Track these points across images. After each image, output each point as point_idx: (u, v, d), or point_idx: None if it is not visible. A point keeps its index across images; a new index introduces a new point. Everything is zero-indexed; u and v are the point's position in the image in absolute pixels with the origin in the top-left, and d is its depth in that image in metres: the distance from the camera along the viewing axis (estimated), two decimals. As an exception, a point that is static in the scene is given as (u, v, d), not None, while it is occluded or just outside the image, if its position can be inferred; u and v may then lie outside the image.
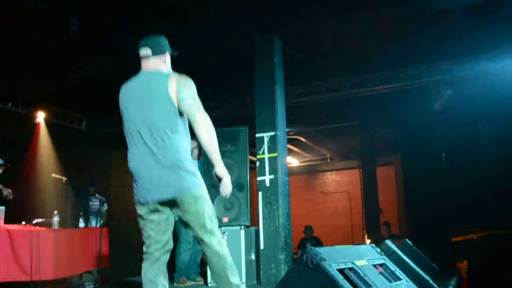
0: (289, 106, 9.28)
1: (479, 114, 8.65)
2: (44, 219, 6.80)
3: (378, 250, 2.93)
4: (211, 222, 3.13)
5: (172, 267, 7.11)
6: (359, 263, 2.54)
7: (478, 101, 8.39)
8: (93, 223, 7.81)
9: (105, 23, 7.11)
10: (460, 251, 9.69)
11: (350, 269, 2.45)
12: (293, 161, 17.23)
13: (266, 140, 6.80)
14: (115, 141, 11.33)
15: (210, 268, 3.20)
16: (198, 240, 3.17)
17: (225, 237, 6.78)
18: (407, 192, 11.47)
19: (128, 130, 3.26)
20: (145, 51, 3.37)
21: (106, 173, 11.44)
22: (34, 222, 6.68)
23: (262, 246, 6.56)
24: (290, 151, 15.71)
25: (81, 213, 7.54)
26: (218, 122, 7.50)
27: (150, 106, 3.16)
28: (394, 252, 3.50)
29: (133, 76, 3.41)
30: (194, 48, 7.58)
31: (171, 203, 3.12)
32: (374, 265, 2.69)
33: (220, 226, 6.68)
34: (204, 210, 3.12)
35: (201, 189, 3.15)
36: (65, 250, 6.76)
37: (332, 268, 2.27)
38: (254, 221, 7.06)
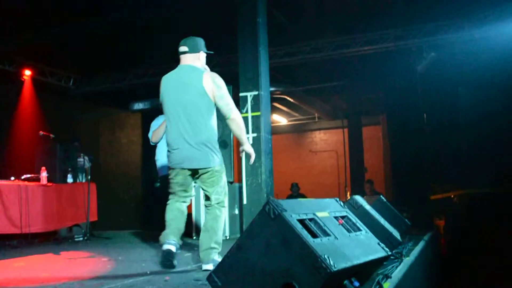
0: (274, 66, 9.43)
1: (460, 77, 8.79)
2: (32, 175, 6.97)
3: (342, 203, 3.13)
4: (222, 192, 4.04)
5: (151, 219, 7.36)
6: (320, 214, 2.73)
7: (460, 64, 8.53)
8: (80, 179, 7.98)
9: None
10: (438, 208, 10.01)
11: (310, 219, 2.63)
12: (281, 120, 17.39)
13: (249, 100, 6.94)
14: (104, 99, 11.44)
15: (203, 226, 4.03)
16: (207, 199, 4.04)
17: (209, 193, 7.04)
18: (392, 151, 11.73)
19: (168, 111, 3.98)
20: (183, 49, 4.09)
21: (95, 131, 11.57)
22: (23, 177, 6.86)
23: (245, 201, 6.79)
24: (278, 110, 15.88)
25: (69, 169, 7.69)
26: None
27: (187, 95, 3.90)
28: (360, 206, 3.70)
29: (173, 70, 4.11)
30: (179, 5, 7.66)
31: (196, 172, 3.93)
32: (335, 217, 2.89)
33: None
34: (220, 181, 4.02)
35: (221, 165, 4.02)
36: (54, 204, 6.98)
37: (293, 218, 2.46)
38: (238, 178, 7.29)
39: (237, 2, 7.13)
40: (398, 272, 3.55)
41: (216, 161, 3.93)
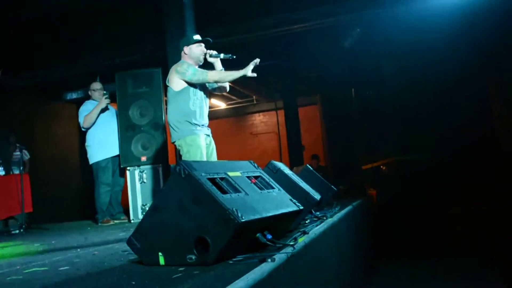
0: (208, 49, 9.49)
1: (383, 50, 9.15)
2: (-39, 169, 6.83)
3: (256, 165, 3.29)
4: None
5: (93, 210, 7.40)
6: (232, 174, 2.88)
7: (383, 39, 8.86)
8: (15, 172, 7.86)
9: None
10: (370, 178, 10.44)
11: (222, 178, 2.77)
12: (219, 104, 17.50)
13: (180, 81, 7.00)
14: (36, 91, 11.21)
15: None
16: None
17: (145, 175, 7.11)
18: (326, 128, 12.11)
19: None
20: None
21: (30, 123, 11.33)
22: (-50, 172, 6.71)
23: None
24: (214, 94, 15.95)
25: (0, 162, 7.57)
26: (137, 66, 7.68)
27: None
28: (278, 170, 3.88)
29: None
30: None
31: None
32: (248, 177, 3.05)
33: (139, 165, 7.01)
34: (184, 157, 4.97)
35: (180, 141, 5.05)
36: (-15, 197, 6.86)
37: (203, 177, 2.59)
38: (172, 159, 7.38)
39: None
40: (316, 229, 3.76)
41: (175, 136, 5.05)
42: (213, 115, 17.71)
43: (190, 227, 2.54)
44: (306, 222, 4.25)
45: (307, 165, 5.65)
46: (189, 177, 2.56)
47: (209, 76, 4.99)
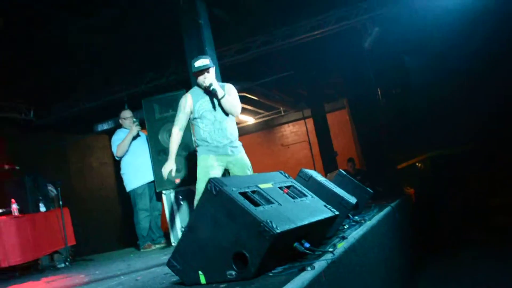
0: (228, 65, 9.58)
1: (405, 47, 9.04)
2: (3, 210, 6.99)
3: (286, 175, 3.29)
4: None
5: (134, 237, 7.48)
6: (263, 186, 2.88)
7: (402, 35, 8.77)
8: (53, 207, 8.02)
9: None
10: (406, 177, 10.28)
11: (253, 192, 2.78)
12: (248, 119, 17.56)
13: (204, 100, 7.06)
14: (68, 127, 11.45)
15: None
16: None
17: (181, 197, 7.16)
18: (357, 131, 12.01)
19: None
20: None
21: (63, 159, 11.56)
22: (-7, 213, 6.88)
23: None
24: (243, 110, 16.02)
25: (40, 198, 7.72)
26: (163, 90, 7.78)
27: None
28: (311, 177, 3.86)
29: None
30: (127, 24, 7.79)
31: None
32: (280, 187, 3.05)
33: (174, 187, 7.07)
34: None
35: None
36: (30, 234, 7.00)
37: (234, 192, 2.60)
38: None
39: (178, 7, 7.27)
40: (355, 233, 3.72)
41: None
42: (243, 131, 17.80)
43: (227, 243, 2.54)
44: (345, 227, 4.21)
45: (340, 169, 5.60)
46: (220, 194, 2.58)
47: (172, 130, 5.30)
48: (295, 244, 2.72)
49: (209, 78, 4.99)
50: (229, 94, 5.06)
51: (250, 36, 9.52)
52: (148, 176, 7.38)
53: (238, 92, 12.06)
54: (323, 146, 13.56)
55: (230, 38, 9.38)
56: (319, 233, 3.18)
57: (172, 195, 7.15)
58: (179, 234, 7.06)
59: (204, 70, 4.99)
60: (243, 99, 13.64)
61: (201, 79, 5.03)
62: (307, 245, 2.76)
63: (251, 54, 9.67)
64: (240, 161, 5.13)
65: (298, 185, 3.21)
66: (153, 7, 7.62)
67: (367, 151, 11.05)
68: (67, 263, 7.35)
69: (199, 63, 5.01)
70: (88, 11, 7.42)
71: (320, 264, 2.59)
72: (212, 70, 5.09)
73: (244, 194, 2.67)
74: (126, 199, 8.40)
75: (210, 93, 5.00)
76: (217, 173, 5.00)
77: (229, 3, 8.25)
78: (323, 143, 13.56)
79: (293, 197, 3.03)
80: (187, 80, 7.67)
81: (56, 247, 7.51)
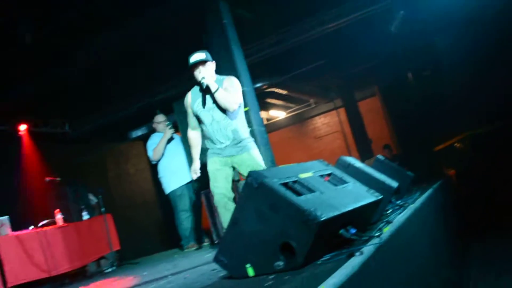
0: (254, 61, 9.58)
1: (432, 27, 8.86)
2: (48, 220, 7.16)
3: (326, 163, 3.27)
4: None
5: (176, 239, 7.56)
6: (304, 175, 2.87)
7: (430, 14, 8.60)
8: (95, 215, 8.18)
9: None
10: (446, 158, 10.10)
11: (294, 182, 2.77)
12: (279, 114, 17.53)
13: (234, 98, 7.08)
14: (101, 136, 11.65)
15: None
16: None
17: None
18: (391, 117, 11.88)
19: None
20: None
21: (101, 167, 11.76)
22: (40, 224, 7.05)
23: (254, 196, 6.90)
24: (273, 105, 16.04)
25: (83, 207, 7.89)
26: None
27: None
28: (350, 164, 3.83)
29: None
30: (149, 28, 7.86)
31: None
32: (320, 176, 3.03)
33: (212, 187, 7.10)
34: None
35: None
36: (76, 242, 7.16)
37: (275, 183, 2.60)
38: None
39: (201, 9, 7.32)
40: (400, 217, 3.67)
41: None
42: (274, 126, 17.79)
43: (272, 235, 2.55)
44: (388, 212, 4.17)
45: (378, 155, 5.54)
46: (261, 186, 2.58)
47: (187, 132, 5.11)
48: (341, 231, 2.70)
49: (203, 73, 4.58)
50: (227, 87, 4.60)
51: (276, 31, 9.50)
52: (186, 177, 7.43)
53: (268, 87, 12.14)
54: (357, 134, 13.48)
55: (256, 35, 9.38)
56: (364, 219, 3.15)
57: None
58: (222, 232, 7.10)
59: (198, 64, 4.60)
60: (273, 95, 13.70)
61: (195, 74, 4.63)
62: (352, 231, 2.74)
63: (280, 48, 9.65)
64: (246, 161, 4.65)
65: (338, 172, 3.19)
66: (178, 10, 7.67)
67: (402, 136, 10.93)
68: (114, 268, 7.49)
69: (193, 58, 4.63)
70: (116, 23, 7.52)
71: (368, 249, 2.56)
72: (209, 65, 4.67)
73: (285, 185, 2.66)
74: (165, 202, 8.50)
75: (205, 90, 4.63)
76: (226, 173, 4.69)
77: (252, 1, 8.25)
78: (357, 132, 13.48)
79: (335, 184, 3.01)
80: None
81: (102, 253, 7.66)
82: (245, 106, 7.06)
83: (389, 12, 9.08)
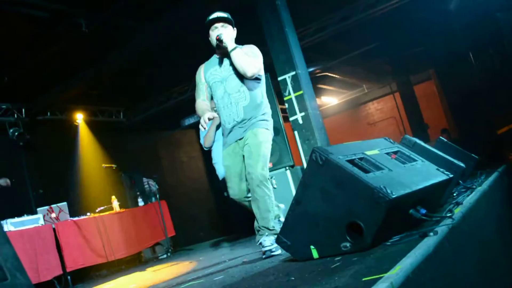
0: (308, 46, 9.39)
1: (494, 3, 8.39)
2: (105, 206, 7.27)
3: (391, 140, 3.09)
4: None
5: (229, 225, 7.50)
6: (370, 153, 2.71)
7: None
8: (150, 201, 8.24)
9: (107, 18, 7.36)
10: (510, 141, 9.60)
11: (360, 158, 2.61)
12: (331, 100, 17.26)
13: (289, 81, 6.94)
14: (156, 123, 11.75)
15: None
16: None
17: (274, 181, 7.08)
18: (448, 100, 11.44)
19: None
20: None
21: (155, 155, 11.88)
22: (97, 210, 7.16)
23: (311, 181, 6.75)
24: (325, 91, 15.77)
25: (138, 194, 7.96)
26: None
27: None
28: (415, 143, 3.63)
29: None
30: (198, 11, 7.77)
31: None
32: (387, 153, 2.86)
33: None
34: None
35: None
36: (132, 228, 7.23)
37: (341, 159, 2.45)
38: (298, 161, 7.29)
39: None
40: (469, 198, 3.46)
41: None
42: (327, 113, 17.53)
43: (338, 214, 2.40)
44: (454, 194, 3.94)
45: (440, 137, 5.28)
46: (327, 163, 2.44)
47: (195, 104, 4.03)
48: (411, 210, 2.53)
49: (221, 31, 3.92)
50: (247, 52, 3.89)
51: (329, 13, 9.27)
52: (239, 163, 7.34)
53: (321, 72, 11.91)
54: (412, 119, 13.09)
55: (308, 17, 9.17)
56: (434, 199, 2.97)
57: (266, 179, 7.08)
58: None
59: (216, 21, 3.94)
60: (325, 79, 13.45)
61: (211, 34, 3.94)
62: (423, 211, 2.56)
63: (331, 32, 9.42)
64: (246, 140, 3.83)
65: (405, 150, 3.01)
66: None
67: (461, 120, 10.49)
68: (168, 254, 7.53)
69: (213, 15, 3.98)
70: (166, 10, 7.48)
71: (441, 230, 2.39)
72: (230, 28, 3.98)
73: (351, 162, 2.51)
74: (218, 190, 8.47)
75: (221, 57, 4.00)
76: (240, 168, 3.86)
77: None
78: (412, 117, 13.09)
79: (403, 162, 2.84)
80: (269, 66, 7.57)
81: (157, 239, 7.71)
82: (299, 89, 6.93)
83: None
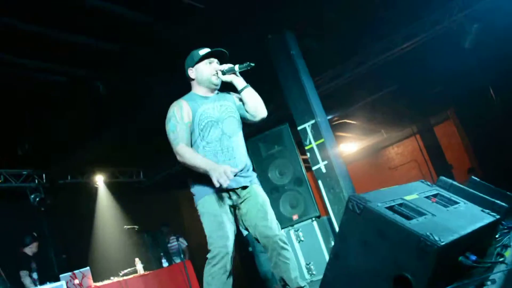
0: (324, 93, 9.33)
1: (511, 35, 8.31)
2: (129, 269, 7.07)
3: (429, 183, 2.92)
4: (208, 243, 3.36)
5: (257, 281, 7.23)
6: (409, 197, 2.54)
7: (507, 26, 8.09)
8: (177, 261, 8.04)
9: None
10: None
11: (400, 204, 2.45)
12: (351, 148, 17.09)
13: (309, 130, 6.85)
14: (176, 182, 11.65)
15: None
16: None
17: (301, 233, 6.86)
18: (471, 139, 11.24)
19: None
20: None
21: (176, 213, 11.73)
22: (121, 274, 6.97)
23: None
24: (344, 138, 15.64)
25: (161, 254, 7.78)
26: (261, 132, 7.59)
27: None
28: (452, 184, 3.44)
29: None
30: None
31: None
32: (426, 197, 2.68)
33: (292, 224, 6.80)
34: (203, 225, 3.42)
35: (198, 205, 3.43)
36: (157, 291, 7.01)
37: (380, 207, 2.29)
38: (323, 211, 7.09)
39: (266, 43, 7.20)
40: (516, 240, 3.23)
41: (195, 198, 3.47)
42: (349, 160, 17.28)
43: (383, 267, 2.22)
44: (497, 236, 3.70)
45: (472, 176, 5.07)
46: (365, 211, 2.27)
47: (178, 150, 3.33)
48: (460, 258, 2.33)
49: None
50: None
51: (342, 60, 9.25)
52: (262, 217, 7.14)
53: (339, 119, 11.80)
54: (435, 161, 12.87)
55: (323, 65, 9.16)
56: (482, 243, 2.76)
57: (292, 232, 6.88)
58: (305, 272, 6.75)
59: (215, 56, 3.53)
60: (343, 127, 13.34)
61: (210, 69, 3.49)
62: (473, 257, 2.36)
63: (347, 78, 9.37)
64: (257, 196, 3.46)
65: (445, 193, 2.83)
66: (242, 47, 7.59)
67: (487, 157, 10.25)
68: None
69: (204, 50, 3.52)
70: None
71: (498, 277, 2.18)
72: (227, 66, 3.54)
73: (391, 208, 2.35)
74: (242, 244, 8.24)
75: (211, 92, 3.55)
76: (231, 219, 3.45)
77: (318, 30, 8.05)
78: (435, 158, 12.88)
79: (445, 206, 2.66)
80: (287, 117, 7.52)
81: (183, 301, 7.46)
82: (320, 137, 6.81)
83: (461, 27, 8.64)
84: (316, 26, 7.99)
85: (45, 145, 8.31)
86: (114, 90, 7.36)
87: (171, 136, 3.38)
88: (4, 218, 8.36)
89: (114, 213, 9.63)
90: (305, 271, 6.74)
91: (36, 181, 8.93)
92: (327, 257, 6.64)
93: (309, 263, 6.71)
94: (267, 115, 3.60)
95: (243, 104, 3.54)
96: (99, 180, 10.00)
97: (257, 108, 3.50)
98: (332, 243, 6.92)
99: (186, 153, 3.29)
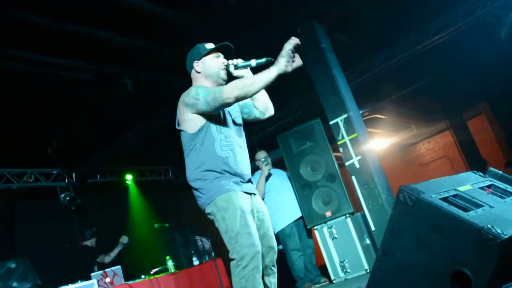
0: (353, 88, 9.14)
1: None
2: (160, 268, 7.02)
3: (481, 173, 2.75)
4: (230, 243, 2.97)
5: (289, 280, 7.10)
6: (462, 188, 2.38)
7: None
8: (205, 259, 7.97)
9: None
10: None
11: (454, 195, 2.29)
12: (381, 144, 16.80)
13: (341, 124, 6.67)
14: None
15: None
16: None
17: (334, 230, 6.70)
18: (505, 133, 10.92)
19: None
20: None
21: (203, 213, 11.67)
22: (152, 272, 6.91)
23: (373, 228, 6.35)
24: (374, 134, 15.37)
25: (192, 252, 7.71)
26: (292, 128, 7.44)
27: None
28: (502, 175, 3.26)
29: None
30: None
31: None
32: (480, 188, 2.52)
33: (325, 221, 6.65)
34: (220, 227, 3.06)
35: (210, 206, 3.09)
36: (188, 289, 6.94)
37: (434, 198, 2.14)
38: (357, 207, 6.91)
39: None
40: None
41: (202, 200, 3.16)
42: (379, 156, 16.98)
43: (438, 263, 2.06)
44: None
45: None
46: (418, 203, 2.12)
47: (226, 93, 2.94)
48: (522, 252, 2.16)
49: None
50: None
51: (371, 54, 9.05)
52: (293, 214, 7.02)
53: (369, 115, 11.59)
54: (469, 156, 12.52)
55: (352, 59, 8.97)
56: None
57: (325, 229, 6.72)
58: (339, 269, 6.58)
59: (223, 49, 3.32)
60: (372, 122, 13.09)
61: (217, 63, 3.27)
62: (535, 252, 2.18)
63: (377, 72, 9.16)
64: (262, 206, 3.29)
65: (499, 183, 2.65)
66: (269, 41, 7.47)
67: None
68: (229, 316, 7.16)
69: (210, 44, 3.33)
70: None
71: None
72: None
73: (446, 200, 2.19)
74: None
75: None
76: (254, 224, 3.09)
77: (347, 24, 7.87)
78: (469, 154, 12.53)
79: (501, 197, 2.48)
80: (318, 111, 7.35)
81: (215, 299, 7.38)
82: (353, 132, 6.63)
83: (496, 18, 8.36)
84: (347, 20, 7.82)
85: (74, 144, 8.31)
86: (142, 87, 7.31)
87: (211, 93, 3.01)
88: (34, 217, 8.40)
89: (144, 211, 9.63)
90: (339, 269, 6.58)
91: (66, 180, 8.97)
92: (361, 254, 6.48)
93: (343, 261, 6.55)
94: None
95: (253, 100, 3.40)
96: (129, 178, 10.01)
97: (267, 105, 3.41)
98: (367, 240, 6.75)
99: (239, 83, 2.95)
